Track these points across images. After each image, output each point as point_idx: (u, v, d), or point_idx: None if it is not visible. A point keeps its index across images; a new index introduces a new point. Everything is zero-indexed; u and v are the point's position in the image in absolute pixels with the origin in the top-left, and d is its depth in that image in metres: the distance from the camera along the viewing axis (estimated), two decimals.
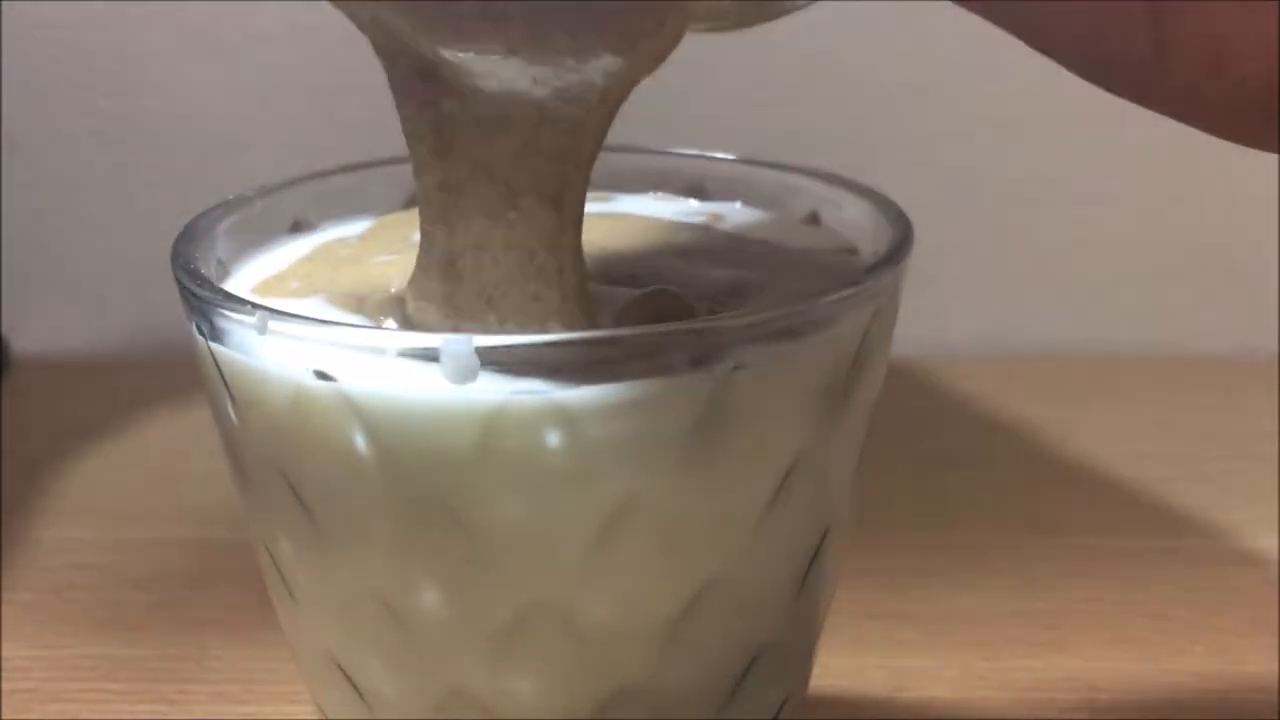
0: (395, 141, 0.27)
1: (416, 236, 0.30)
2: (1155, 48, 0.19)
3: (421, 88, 0.25)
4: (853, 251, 0.30)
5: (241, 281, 0.29)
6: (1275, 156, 0.52)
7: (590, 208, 0.29)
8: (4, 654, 0.37)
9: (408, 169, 0.31)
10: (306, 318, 0.24)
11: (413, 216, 0.31)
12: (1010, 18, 0.20)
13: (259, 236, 0.31)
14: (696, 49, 0.53)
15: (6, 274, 0.55)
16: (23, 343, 0.53)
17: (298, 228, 0.32)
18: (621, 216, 0.32)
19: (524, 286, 0.26)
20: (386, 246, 0.30)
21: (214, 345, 0.26)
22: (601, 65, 0.24)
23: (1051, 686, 0.35)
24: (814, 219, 0.31)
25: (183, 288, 0.26)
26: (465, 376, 0.23)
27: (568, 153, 0.25)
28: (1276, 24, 0.18)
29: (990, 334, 0.55)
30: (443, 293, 0.26)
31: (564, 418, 0.24)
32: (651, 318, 0.26)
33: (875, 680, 0.35)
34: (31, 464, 0.46)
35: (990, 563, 0.40)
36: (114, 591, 0.39)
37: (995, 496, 0.44)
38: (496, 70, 0.24)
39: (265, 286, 0.29)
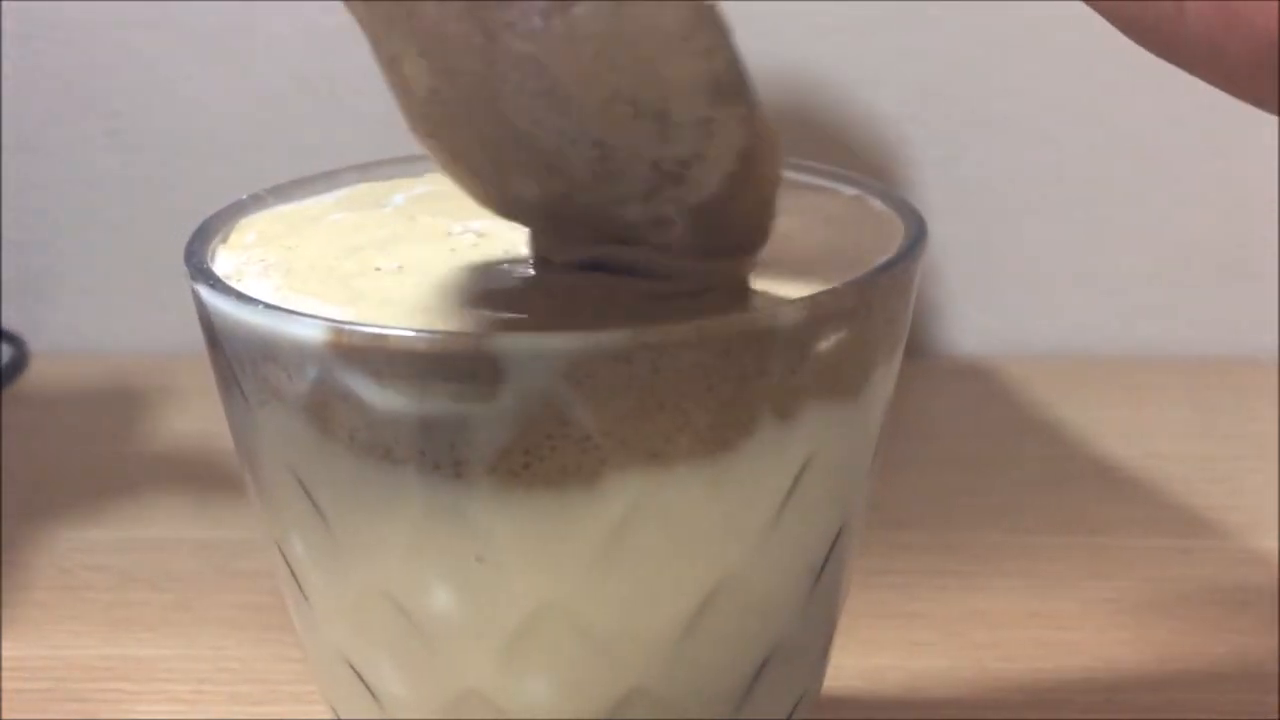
0: (405, 141, 0.27)
1: (389, 197, 0.30)
2: (1176, 3, 0.19)
3: None
4: (859, 200, 0.30)
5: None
6: None
7: None
8: (20, 654, 0.37)
9: (418, 167, 0.31)
10: (320, 317, 0.24)
11: (394, 185, 0.31)
12: None
13: None
14: None
15: (22, 275, 0.55)
16: (38, 343, 0.53)
17: None
18: None
19: None
20: (350, 206, 0.30)
21: (227, 345, 0.26)
22: None
23: (1068, 688, 0.35)
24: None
25: (196, 288, 0.26)
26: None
27: None
28: None
29: (1004, 333, 0.55)
30: None
31: (573, 416, 0.23)
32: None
33: (890, 681, 0.35)
34: (47, 464, 0.46)
35: (1006, 563, 0.40)
36: (129, 592, 0.39)
37: (1010, 497, 0.44)
38: None
39: (229, 244, 0.29)
